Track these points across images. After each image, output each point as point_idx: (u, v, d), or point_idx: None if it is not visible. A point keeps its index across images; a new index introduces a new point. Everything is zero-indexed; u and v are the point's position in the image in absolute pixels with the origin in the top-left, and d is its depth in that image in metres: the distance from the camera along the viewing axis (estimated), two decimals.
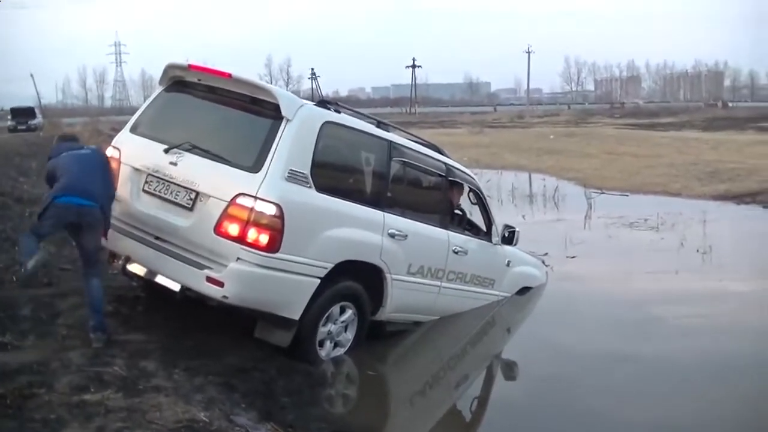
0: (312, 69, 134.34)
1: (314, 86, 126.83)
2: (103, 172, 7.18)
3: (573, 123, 72.13)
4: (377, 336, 8.46)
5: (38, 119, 52.55)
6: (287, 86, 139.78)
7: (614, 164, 29.61)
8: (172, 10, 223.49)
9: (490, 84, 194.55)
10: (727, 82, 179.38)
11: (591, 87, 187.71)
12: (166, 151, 7.41)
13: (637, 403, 7.34)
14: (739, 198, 21.35)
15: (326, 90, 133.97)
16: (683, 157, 30.71)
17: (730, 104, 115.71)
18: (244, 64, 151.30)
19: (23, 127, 48.44)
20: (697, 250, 14.15)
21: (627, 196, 22.31)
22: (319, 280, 7.23)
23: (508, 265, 10.71)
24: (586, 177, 25.94)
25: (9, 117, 53.76)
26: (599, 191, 22.43)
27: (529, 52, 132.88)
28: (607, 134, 49.47)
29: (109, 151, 8.04)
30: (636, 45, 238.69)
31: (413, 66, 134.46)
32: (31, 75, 70.32)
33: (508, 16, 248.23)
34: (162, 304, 7.99)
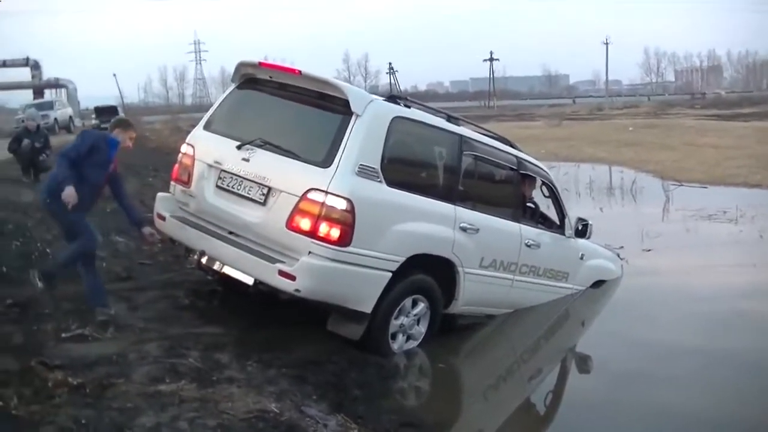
0: (390, 64, 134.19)
1: (392, 81, 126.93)
2: None
3: (653, 114, 71.04)
4: (450, 329, 8.47)
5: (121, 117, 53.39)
6: (365, 81, 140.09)
7: (694, 156, 29.09)
8: (250, 7, 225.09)
9: (569, 76, 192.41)
10: None
11: (671, 78, 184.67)
12: (239, 147, 7.55)
13: (716, 399, 7.23)
14: None
15: (404, 85, 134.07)
16: (764, 148, 30.07)
17: None
18: (321, 60, 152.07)
19: (106, 125, 49.20)
20: None
21: (706, 188, 21.89)
22: (390, 274, 7.28)
23: (581, 258, 10.64)
24: (664, 169, 25.55)
25: (93, 116, 54.70)
26: (678, 183, 22.05)
27: (607, 44, 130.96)
28: (687, 125, 48.62)
29: (184, 148, 8.25)
30: (716, 34, 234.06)
31: (491, 59, 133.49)
32: (114, 75, 71.37)
33: (585, 7, 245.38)
34: (236, 297, 8.13)
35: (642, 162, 28.03)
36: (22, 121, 22.08)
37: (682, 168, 25.58)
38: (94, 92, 76.94)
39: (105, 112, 53.61)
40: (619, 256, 12.31)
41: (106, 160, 7.65)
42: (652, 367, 8.06)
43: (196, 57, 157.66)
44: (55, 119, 41.61)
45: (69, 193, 7.02)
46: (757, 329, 9.38)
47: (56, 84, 62.87)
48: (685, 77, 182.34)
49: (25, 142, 15.04)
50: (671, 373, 7.91)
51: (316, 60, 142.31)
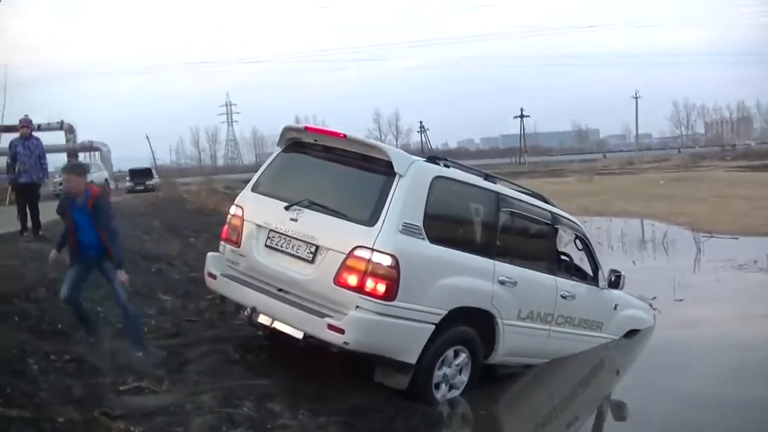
0: (420, 122, 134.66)
1: (423, 139, 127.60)
2: None
3: (683, 167, 71.01)
4: (490, 379, 8.71)
5: (155, 179, 53.95)
6: (396, 140, 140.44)
7: (724, 207, 29.19)
8: (280, 70, 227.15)
9: (599, 131, 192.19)
10: None
11: (701, 130, 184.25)
12: (287, 208, 7.90)
13: None
14: None
15: (435, 143, 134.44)
16: None
17: None
18: (352, 119, 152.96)
19: (141, 187, 49.55)
20: None
21: (737, 239, 21.98)
22: (434, 326, 7.57)
23: (615, 308, 10.88)
24: (695, 221, 25.63)
25: (128, 178, 55.41)
26: (709, 235, 22.17)
27: (636, 97, 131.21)
28: (717, 177, 48.69)
29: (233, 210, 8.61)
30: (745, 85, 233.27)
31: (521, 116, 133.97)
32: (146, 136, 72.59)
33: (614, 62, 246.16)
34: (283, 351, 8.43)
35: (673, 215, 28.12)
36: (60, 184, 22.35)
37: (712, 220, 25.63)
38: (127, 154, 78.08)
39: (140, 174, 54.45)
40: (651, 306, 12.54)
41: None
42: (688, 417, 8.19)
43: (227, 118, 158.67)
44: (92, 182, 42.07)
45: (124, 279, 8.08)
46: None
47: (90, 147, 63.69)
48: (715, 129, 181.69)
49: None
50: (707, 422, 8.04)
51: (346, 119, 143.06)
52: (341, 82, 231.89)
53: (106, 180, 45.49)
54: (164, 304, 10.64)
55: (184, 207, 22.99)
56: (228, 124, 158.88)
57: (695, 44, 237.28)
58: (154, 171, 59.38)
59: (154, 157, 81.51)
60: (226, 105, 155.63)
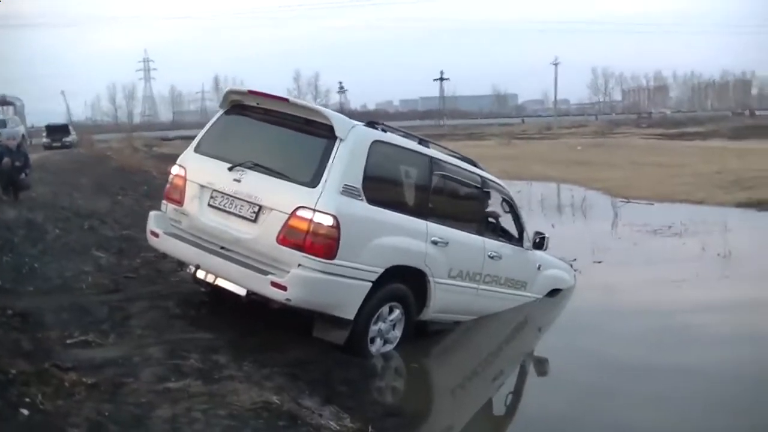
0: (340, 83, 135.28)
1: (342, 100, 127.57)
2: None
3: (600, 134, 72.18)
4: (421, 334, 9.11)
5: (72, 136, 52.84)
6: (315, 100, 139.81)
7: (640, 174, 29.94)
8: (200, 27, 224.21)
9: (518, 96, 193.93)
10: (754, 91, 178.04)
11: (618, 97, 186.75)
12: (230, 168, 8.09)
13: (665, 413, 7.54)
14: (761, 205, 21.75)
15: (354, 104, 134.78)
16: (708, 166, 31.07)
17: (757, 113, 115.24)
18: (272, 79, 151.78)
19: (58, 144, 48.56)
20: (718, 254, 14.73)
21: (652, 204, 22.71)
22: (371, 284, 7.90)
23: (539, 268, 11.37)
24: (612, 187, 26.36)
25: (44, 134, 54.17)
26: (625, 200, 22.90)
27: (556, 64, 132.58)
28: (633, 145, 49.80)
29: (175, 169, 8.75)
30: (663, 55, 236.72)
31: (441, 79, 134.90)
32: (62, 92, 71.16)
33: (535, 28, 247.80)
34: (223, 307, 8.70)
35: (591, 180, 28.82)
36: None
37: (629, 186, 26.38)
38: (41, 110, 76.31)
39: (56, 130, 53.19)
40: (572, 267, 13.08)
41: None
42: (605, 377, 8.61)
43: (145, 75, 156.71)
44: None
45: None
46: (699, 342, 9.92)
47: (4, 101, 61.88)
48: (632, 97, 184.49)
49: (5, 160, 14.75)
50: (619, 384, 8.40)
51: (266, 78, 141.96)
52: (261, 42, 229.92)
53: (23, 136, 44.64)
54: (99, 261, 10.76)
55: (110, 165, 22.94)
56: (145, 81, 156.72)
57: (617, 13, 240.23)
58: (70, 127, 58.14)
59: (69, 113, 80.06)
60: (144, 61, 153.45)
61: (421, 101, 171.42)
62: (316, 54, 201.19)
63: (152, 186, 17.70)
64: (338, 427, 6.19)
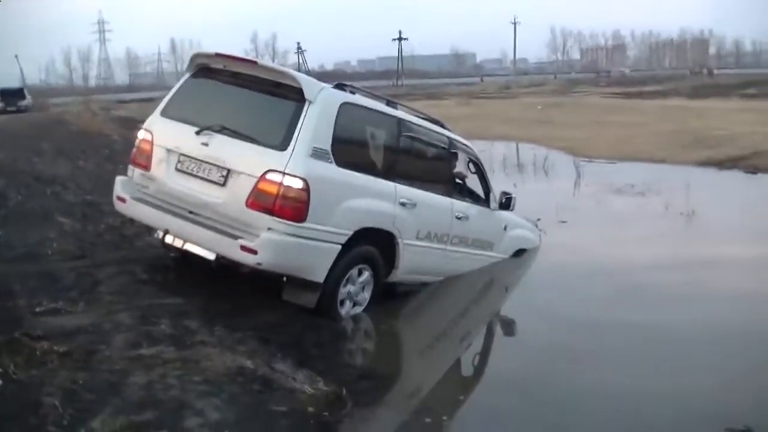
0: (298, 43, 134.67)
1: (300, 60, 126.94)
2: None
3: (560, 93, 72.45)
4: (390, 296, 9.20)
5: (28, 100, 52.18)
6: (273, 61, 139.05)
7: (601, 133, 30.18)
8: None
9: (476, 55, 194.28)
10: (712, 50, 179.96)
11: (577, 56, 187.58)
12: (198, 132, 8.00)
13: (631, 371, 7.61)
14: (721, 164, 22.19)
15: (312, 64, 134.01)
16: (668, 126, 31.32)
17: (715, 71, 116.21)
18: (229, 40, 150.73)
19: (13, 108, 47.72)
20: (681, 213, 15.03)
21: (614, 163, 22.96)
22: (340, 246, 7.91)
23: (505, 229, 11.44)
24: (574, 146, 26.52)
25: None
26: (587, 159, 23.08)
27: (515, 23, 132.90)
28: (593, 103, 50.00)
29: (141, 134, 8.65)
30: (621, 13, 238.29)
31: (399, 39, 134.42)
32: (16, 56, 69.89)
33: None
34: (191, 272, 8.68)
35: (552, 139, 28.96)
36: None
37: (590, 145, 26.61)
38: None
39: (11, 94, 52.40)
40: (537, 227, 13.18)
41: None
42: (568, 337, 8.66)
43: (100, 37, 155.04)
44: None
45: None
46: (656, 299, 10.06)
47: None
48: (590, 56, 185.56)
49: None
50: (582, 341, 8.50)
51: (223, 40, 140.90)
52: (218, 3, 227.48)
53: None
54: (64, 227, 10.62)
55: (69, 129, 22.52)
56: (100, 43, 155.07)
57: None
58: (25, 91, 57.36)
59: (23, 77, 78.90)
60: (99, 23, 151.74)
61: (379, 61, 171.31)
62: (273, 15, 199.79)
63: (113, 150, 17.47)
64: (312, 391, 6.20)
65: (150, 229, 8.68)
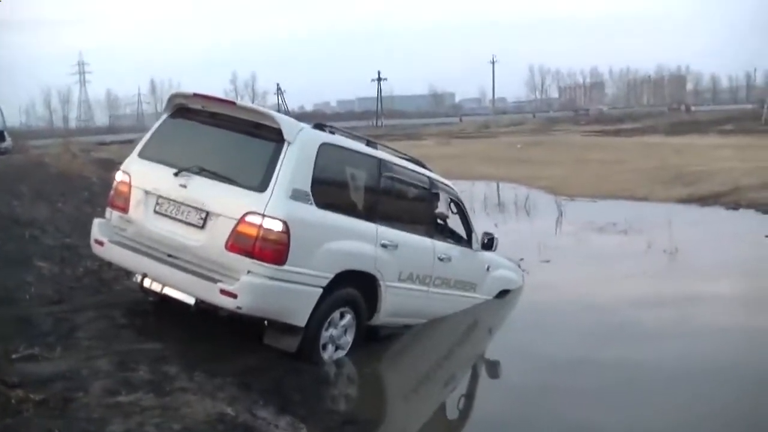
0: (278, 84, 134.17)
1: (280, 101, 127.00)
2: None
3: (539, 131, 72.66)
4: (372, 339, 9.06)
5: (7, 142, 51.97)
6: (253, 102, 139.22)
7: (582, 172, 30.21)
8: (135, 28, 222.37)
9: (455, 95, 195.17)
10: (689, 86, 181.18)
11: (555, 95, 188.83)
12: (176, 174, 7.91)
13: (616, 410, 7.63)
14: (702, 200, 22.25)
15: (292, 105, 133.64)
16: (648, 162, 31.38)
17: (693, 108, 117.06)
18: (209, 81, 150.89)
19: None
20: (664, 251, 14.99)
21: (595, 202, 22.99)
22: (321, 289, 7.80)
23: (488, 269, 11.37)
24: (555, 185, 26.53)
25: None
26: (569, 198, 23.07)
27: (493, 62, 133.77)
28: (573, 142, 50.18)
29: (119, 176, 8.55)
30: (599, 51, 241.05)
31: (378, 79, 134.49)
32: None
33: (471, 26, 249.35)
34: (170, 316, 8.53)
35: (533, 178, 28.97)
36: None
37: (571, 184, 26.64)
38: None
39: None
40: (519, 266, 13.10)
41: None
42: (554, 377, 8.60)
43: (80, 78, 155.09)
44: None
45: None
46: (640, 337, 10.09)
47: None
48: (568, 94, 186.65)
49: None
50: (571, 382, 8.43)
51: (203, 81, 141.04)
52: (197, 44, 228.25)
53: None
54: (42, 271, 10.48)
55: (48, 171, 22.43)
56: (81, 85, 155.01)
57: (552, 10, 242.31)
58: (5, 134, 57.10)
59: (3, 120, 78.63)
60: (79, 65, 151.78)
61: (358, 102, 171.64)
62: (252, 56, 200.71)
63: (93, 192, 17.32)
64: None
65: (129, 273, 8.55)
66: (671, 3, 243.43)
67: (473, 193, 24.09)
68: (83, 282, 10.28)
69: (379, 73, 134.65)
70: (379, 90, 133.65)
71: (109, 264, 9.15)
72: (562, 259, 14.84)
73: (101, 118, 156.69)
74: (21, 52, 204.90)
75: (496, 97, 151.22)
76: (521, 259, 13.65)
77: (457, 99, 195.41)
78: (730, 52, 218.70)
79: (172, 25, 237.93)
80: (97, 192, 16.46)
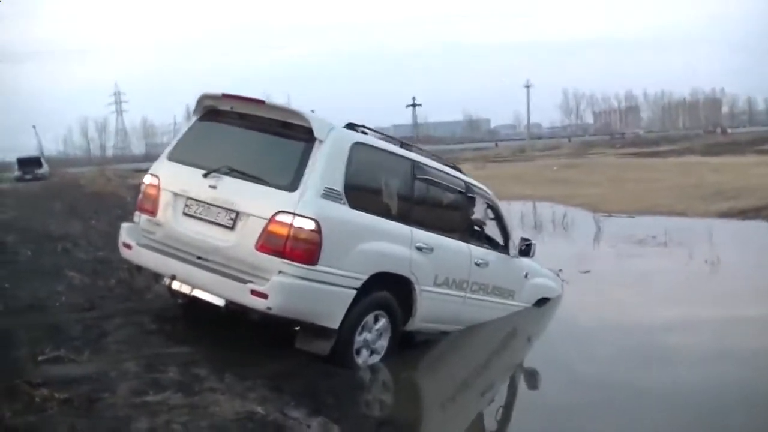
0: (312, 111, 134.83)
1: None
2: None
3: (574, 155, 72.43)
4: (408, 345, 8.84)
5: (44, 168, 52.75)
6: None
7: (619, 190, 29.94)
8: (170, 56, 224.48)
9: (490, 120, 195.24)
10: (725, 109, 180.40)
11: (590, 119, 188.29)
12: (205, 175, 7.79)
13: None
14: (743, 214, 21.83)
15: None
16: (686, 180, 31.07)
17: (729, 130, 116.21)
18: None
19: (29, 176, 48.34)
20: (705, 261, 14.71)
21: (633, 218, 22.66)
22: (355, 291, 7.60)
23: (526, 276, 11.12)
24: (592, 203, 26.23)
25: (16, 167, 53.86)
26: (606, 214, 22.74)
27: (528, 87, 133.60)
28: (609, 163, 49.93)
29: (147, 179, 8.46)
30: (633, 75, 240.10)
31: (413, 105, 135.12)
32: (34, 127, 70.49)
33: (505, 50, 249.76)
34: (200, 322, 8.40)
35: (570, 197, 28.69)
36: None
37: (608, 201, 26.33)
38: (11, 145, 75.75)
39: (28, 163, 52.98)
40: (558, 276, 12.84)
41: None
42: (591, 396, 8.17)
43: (117, 108, 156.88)
44: None
45: None
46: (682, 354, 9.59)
47: None
48: (603, 118, 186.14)
49: None
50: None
51: None
52: (230, 70, 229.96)
53: None
54: (73, 282, 10.40)
55: (82, 191, 22.57)
56: (117, 114, 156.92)
57: (586, 33, 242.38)
58: (42, 160, 57.86)
59: (41, 147, 79.61)
60: (115, 95, 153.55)
61: (394, 129, 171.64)
62: (285, 81, 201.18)
63: (126, 210, 17.23)
64: None
65: (157, 277, 8.37)
66: (703, 25, 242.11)
67: (509, 211, 23.50)
68: (114, 291, 10.17)
69: (414, 98, 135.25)
70: (414, 116, 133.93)
71: (139, 268, 9.01)
72: (601, 270, 14.64)
73: (138, 146, 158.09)
74: (59, 82, 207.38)
75: (531, 123, 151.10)
76: (560, 270, 13.36)
77: (492, 125, 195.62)
78: (765, 72, 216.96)
79: (204, 52, 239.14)
80: (131, 210, 16.40)
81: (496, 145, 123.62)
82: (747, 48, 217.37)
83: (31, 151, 67.87)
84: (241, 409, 5.91)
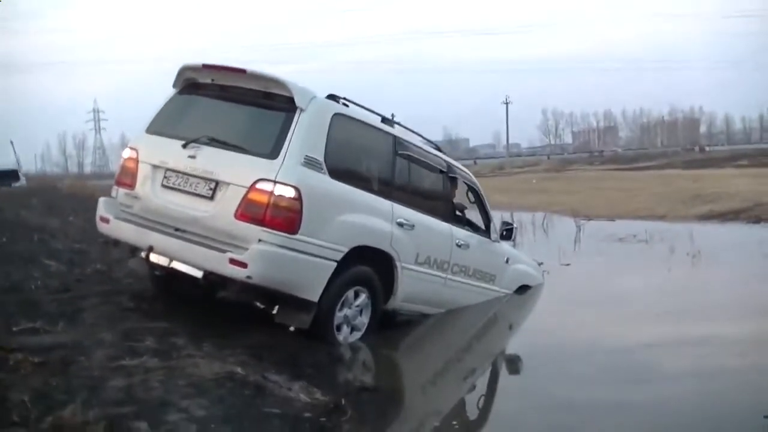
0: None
1: None
2: None
3: (554, 170, 72.81)
4: (388, 326, 8.74)
5: (22, 181, 52.24)
6: None
7: (599, 197, 30.15)
8: (151, 72, 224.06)
9: (469, 140, 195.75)
10: (703, 128, 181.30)
11: (569, 139, 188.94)
12: (185, 145, 7.68)
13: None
14: (723, 216, 22.05)
15: None
16: (666, 188, 31.33)
17: (707, 148, 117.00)
18: None
19: (6, 187, 48.04)
20: (687, 254, 14.80)
21: (614, 221, 22.74)
22: (335, 263, 7.49)
23: (507, 261, 11.08)
24: (572, 209, 26.17)
25: None
26: (587, 218, 22.78)
27: (507, 103, 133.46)
28: (589, 176, 50.20)
29: (126, 153, 8.34)
30: (612, 94, 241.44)
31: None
32: (11, 142, 69.63)
33: (483, 70, 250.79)
34: (178, 301, 8.35)
35: (550, 204, 28.85)
36: None
37: (588, 206, 26.43)
38: None
39: (5, 175, 52.47)
40: (540, 266, 12.84)
41: None
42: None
43: (95, 125, 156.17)
44: None
45: None
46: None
47: None
48: (582, 138, 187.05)
49: None
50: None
51: None
52: None
53: None
54: (48, 269, 10.27)
55: (60, 192, 22.54)
56: (96, 132, 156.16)
57: (565, 53, 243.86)
58: (20, 173, 57.39)
59: (18, 163, 78.91)
60: (94, 112, 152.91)
61: None
62: None
63: None
64: (309, 400, 5.79)
65: (134, 250, 8.22)
66: (682, 44, 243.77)
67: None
68: (90, 278, 10.03)
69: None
70: None
71: (116, 243, 8.88)
72: (582, 263, 14.77)
73: (116, 163, 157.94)
74: (38, 97, 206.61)
75: (510, 142, 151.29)
76: (541, 263, 13.30)
77: (472, 144, 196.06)
78: (742, 92, 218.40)
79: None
80: None
81: (475, 162, 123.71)
82: (726, 66, 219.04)
83: (9, 166, 67.16)
84: (220, 370, 5.82)
